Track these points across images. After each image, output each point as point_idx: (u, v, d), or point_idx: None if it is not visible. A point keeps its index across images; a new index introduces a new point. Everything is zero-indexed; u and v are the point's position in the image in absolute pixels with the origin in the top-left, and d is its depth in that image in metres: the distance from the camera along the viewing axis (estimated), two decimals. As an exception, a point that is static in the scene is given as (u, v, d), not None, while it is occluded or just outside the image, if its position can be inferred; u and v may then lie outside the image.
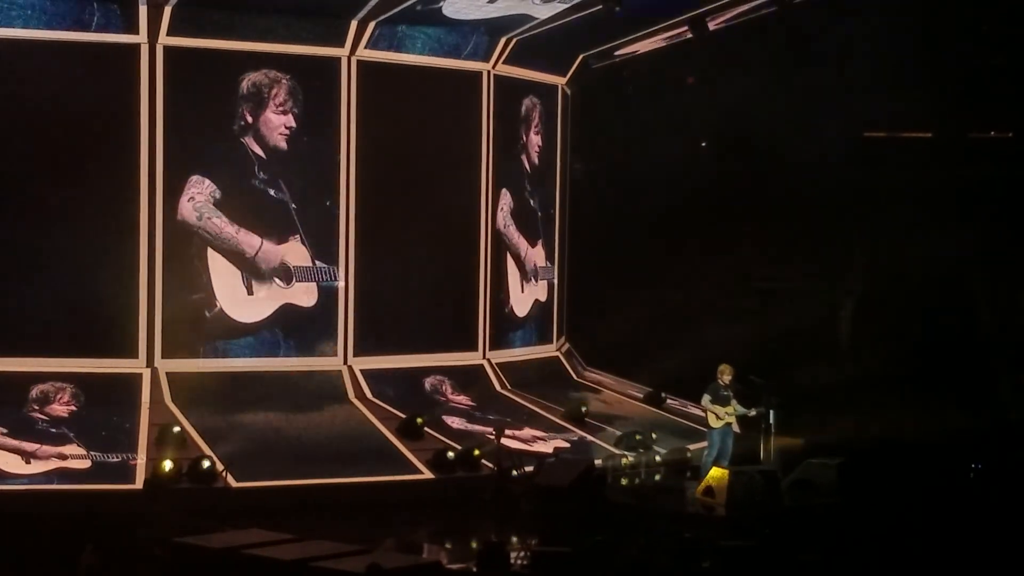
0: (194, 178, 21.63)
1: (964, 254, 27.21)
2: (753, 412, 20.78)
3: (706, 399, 20.65)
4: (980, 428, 22.65)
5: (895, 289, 27.61)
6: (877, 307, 28.08)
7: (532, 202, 25.69)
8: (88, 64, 21.12)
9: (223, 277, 21.85)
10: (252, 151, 21.88)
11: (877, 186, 27.61)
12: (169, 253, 21.51)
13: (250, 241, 21.93)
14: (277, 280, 22.10)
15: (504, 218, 24.96)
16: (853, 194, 27.63)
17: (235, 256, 21.89)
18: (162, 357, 21.47)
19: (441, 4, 21.52)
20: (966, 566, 15.16)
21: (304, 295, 22.36)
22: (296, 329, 22.26)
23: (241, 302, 21.96)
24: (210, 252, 21.76)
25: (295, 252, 22.22)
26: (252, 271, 21.97)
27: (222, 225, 21.76)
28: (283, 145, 22.03)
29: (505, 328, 24.97)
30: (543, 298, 26.17)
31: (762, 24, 25.37)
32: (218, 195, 21.73)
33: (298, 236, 22.18)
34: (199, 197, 21.62)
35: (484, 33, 23.39)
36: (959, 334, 26.95)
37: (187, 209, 21.63)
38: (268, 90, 21.91)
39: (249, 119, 21.85)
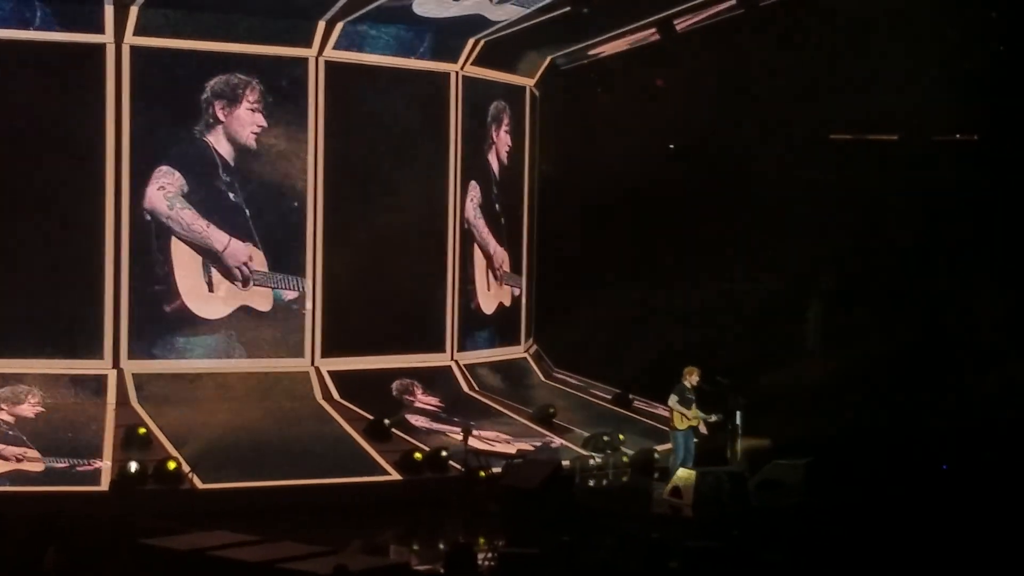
0: (163, 168, 21.55)
1: (930, 255, 27.34)
2: (713, 418, 20.76)
3: (673, 399, 20.67)
4: (948, 428, 22.74)
5: (862, 290, 27.70)
6: (844, 308, 28.17)
7: (499, 200, 25.68)
8: (53, 64, 21.04)
9: (186, 271, 21.75)
10: (217, 151, 21.80)
11: (843, 188, 27.70)
12: (133, 252, 21.42)
13: (219, 237, 21.86)
14: (239, 277, 22.02)
15: (474, 210, 24.95)
16: (819, 195, 27.71)
17: (204, 251, 21.82)
18: (128, 358, 21.37)
19: (411, 2, 21.46)
20: (934, 565, 15.21)
21: (261, 299, 22.27)
22: (256, 326, 22.16)
23: (202, 298, 21.87)
24: (174, 245, 21.66)
25: (254, 254, 22.16)
26: (220, 267, 21.89)
27: (193, 218, 21.70)
28: (253, 144, 21.98)
29: (471, 326, 24.93)
30: (507, 303, 26.15)
31: (730, 26, 25.44)
32: (186, 189, 21.67)
33: (255, 241, 22.08)
34: (170, 188, 21.55)
35: (452, 34, 23.37)
36: (926, 335, 27.06)
37: (157, 198, 21.54)
38: (240, 89, 21.85)
39: (219, 117, 21.78)
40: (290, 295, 22.43)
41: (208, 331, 21.91)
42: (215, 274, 21.91)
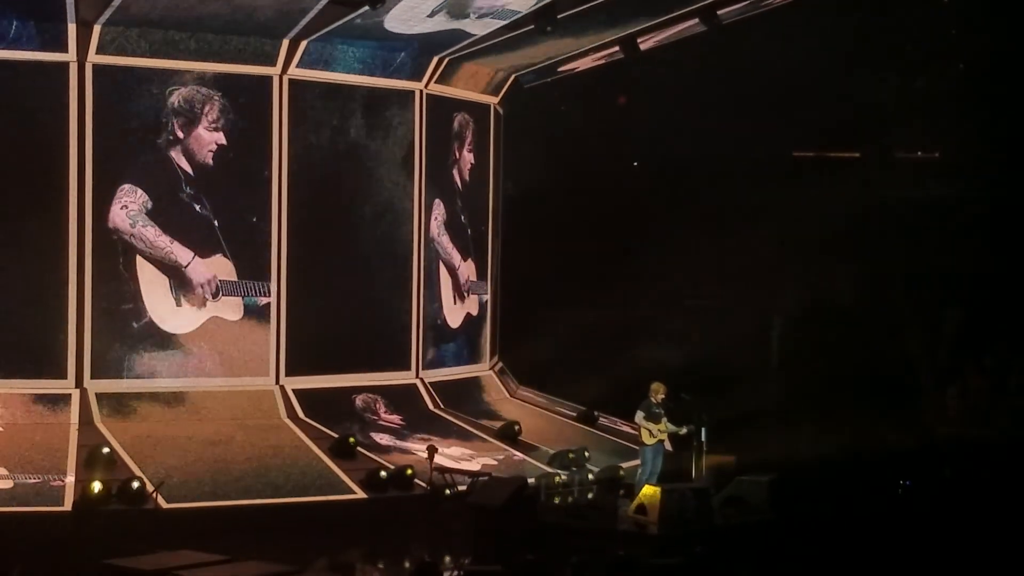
0: (126, 187, 21.50)
1: (891, 272, 27.52)
2: (684, 430, 20.95)
3: (639, 415, 20.77)
4: (908, 445, 22.89)
5: (824, 307, 27.85)
6: (806, 325, 28.31)
7: (463, 217, 25.73)
8: (14, 82, 20.96)
9: (152, 287, 21.71)
10: (179, 166, 21.79)
11: (805, 205, 27.86)
12: (98, 271, 21.37)
13: (182, 253, 21.83)
14: (204, 292, 22.00)
15: (438, 227, 24.98)
16: (782, 213, 27.87)
17: (167, 267, 21.78)
18: (91, 377, 21.30)
19: (382, 18, 21.49)
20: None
21: (230, 310, 22.25)
22: (222, 343, 22.13)
23: (170, 313, 21.82)
24: (139, 262, 21.61)
25: (222, 267, 22.13)
26: (182, 283, 21.85)
27: (155, 235, 21.66)
28: (210, 162, 21.96)
29: (437, 339, 24.95)
30: (475, 312, 26.18)
31: (692, 44, 25.59)
32: (149, 206, 21.63)
33: (223, 252, 22.07)
34: (132, 206, 21.51)
35: (416, 52, 23.42)
36: (887, 352, 27.22)
37: (120, 217, 21.49)
38: (200, 106, 21.85)
39: (179, 134, 21.77)
40: (263, 301, 22.41)
41: (177, 346, 21.86)
42: (180, 290, 21.87)
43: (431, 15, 21.71)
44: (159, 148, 21.65)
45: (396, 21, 21.76)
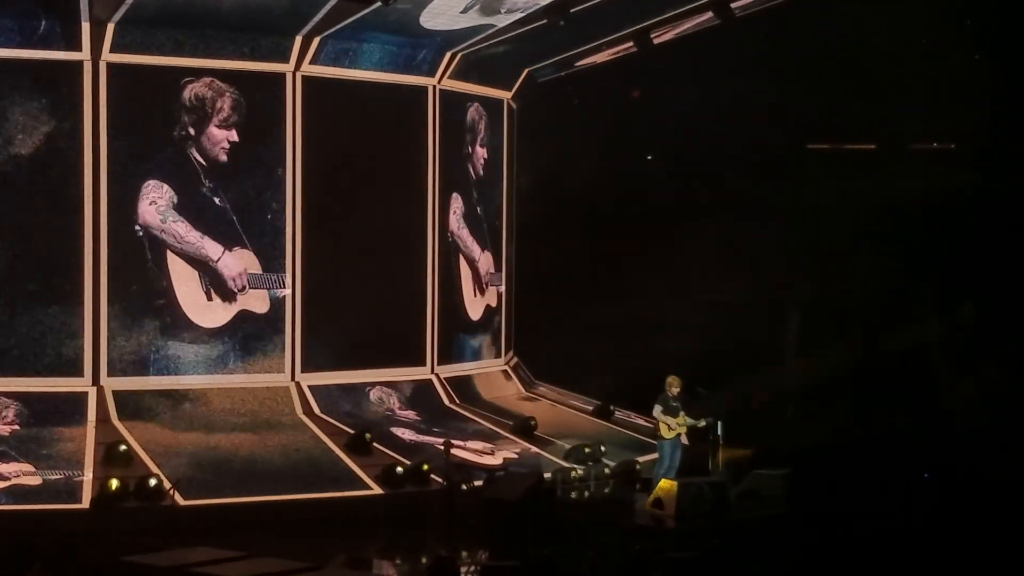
0: (151, 183, 21.54)
1: (908, 264, 27.43)
2: (703, 423, 20.94)
3: (657, 410, 20.78)
4: (928, 437, 22.82)
5: (840, 299, 27.78)
6: (822, 318, 28.24)
7: (479, 209, 25.74)
8: (29, 81, 20.99)
9: (183, 282, 21.76)
10: (196, 160, 21.81)
11: (820, 197, 27.80)
12: (116, 268, 21.38)
13: (213, 247, 21.88)
14: (235, 286, 22.05)
15: (457, 221, 25.01)
16: (797, 205, 27.80)
17: (197, 262, 21.83)
18: (108, 375, 21.34)
19: (418, 14, 21.47)
20: (915, 574, 15.28)
21: (257, 301, 22.30)
22: (252, 334, 22.19)
23: (202, 308, 21.89)
24: (170, 257, 21.67)
25: (247, 259, 22.18)
26: (213, 278, 21.89)
27: (187, 230, 21.71)
28: (223, 158, 21.97)
29: (459, 331, 24.95)
30: (494, 303, 26.23)
31: (706, 37, 25.53)
32: (176, 201, 21.67)
33: (245, 244, 22.12)
34: (160, 201, 21.56)
35: (430, 47, 23.42)
36: (905, 344, 27.14)
37: (149, 213, 21.54)
38: (212, 103, 21.86)
39: (191, 131, 21.78)
40: (283, 293, 22.43)
41: (210, 339, 21.91)
42: (211, 284, 21.94)
43: (464, 11, 21.73)
44: (175, 144, 21.66)
45: (430, 16, 21.78)
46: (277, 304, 22.43)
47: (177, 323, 21.76)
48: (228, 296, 22.08)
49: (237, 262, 22.10)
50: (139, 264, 21.54)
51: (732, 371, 24.94)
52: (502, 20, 22.36)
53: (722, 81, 27.45)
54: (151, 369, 21.65)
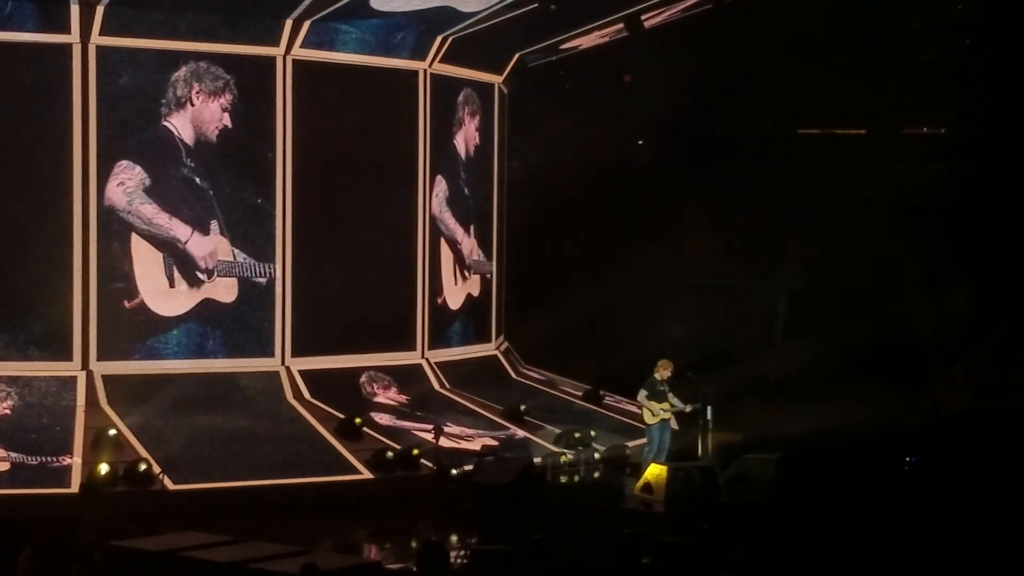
0: (123, 163, 21.40)
1: (897, 250, 27.49)
2: (689, 408, 20.88)
3: (642, 395, 20.72)
4: (914, 422, 22.87)
5: (830, 284, 27.83)
6: (812, 303, 28.29)
7: (466, 190, 25.64)
8: (17, 63, 20.93)
9: (146, 267, 21.64)
10: (181, 139, 21.70)
11: (811, 182, 27.83)
12: (101, 251, 21.33)
13: (181, 229, 21.76)
14: (205, 265, 21.90)
15: (439, 204, 24.89)
16: (787, 190, 27.83)
17: (165, 245, 21.71)
18: (97, 359, 21.30)
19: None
20: (901, 559, 15.30)
21: (224, 291, 22.21)
22: (216, 325, 22.08)
23: (163, 294, 21.74)
24: (134, 240, 21.52)
25: (218, 244, 22.07)
26: (181, 260, 21.77)
27: (153, 212, 21.57)
28: (214, 140, 21.90)
29: (439, 322, 24.92)
30: (476, 293, 26.13)
31: (697, 21, 25.52)
32: (148, 182, 21.55)
33: (220, 231, 21.98)
34: (129, 183, 21.40)
35: (419, 31, 23.36)
36: (893, 330, 27.19)
37: (117, 194, 21.39)
38: (203, 84, 21.78)
39: (182, 110, 21.68)
40: (261, 280, 22.34)
41: (172, 328, 21.79)
42: (176, 269, 21.77)
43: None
44: (161, 126, 21.56)
45: (388, 2, 21.69)
46: (246, 294, 22.27)
47: (141, 309, 21.59)
48: (194, 282, 21.92)
49: (207, 243, 21.94)
50: (106, 247, 21.44)
51: (722, 356, 24.98)
52: (465, 3, 22.15)
53: (713, 66, 27.46)
54: (135, 354, 21.56)
